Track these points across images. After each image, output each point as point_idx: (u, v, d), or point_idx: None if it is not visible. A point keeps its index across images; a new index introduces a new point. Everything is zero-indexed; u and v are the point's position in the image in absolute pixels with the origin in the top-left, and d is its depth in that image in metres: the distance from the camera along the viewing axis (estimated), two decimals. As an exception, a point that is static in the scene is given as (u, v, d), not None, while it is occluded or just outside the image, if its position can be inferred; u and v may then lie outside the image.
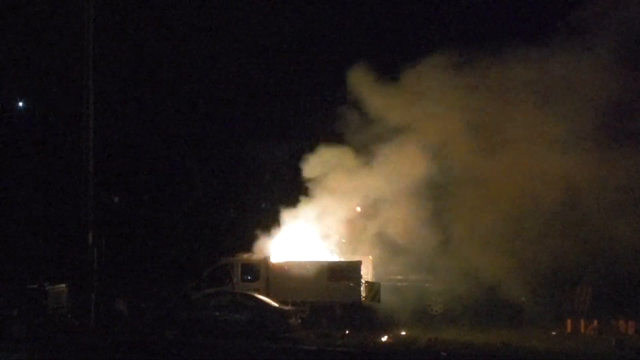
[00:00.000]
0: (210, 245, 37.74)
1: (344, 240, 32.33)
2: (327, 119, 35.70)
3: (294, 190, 33.98)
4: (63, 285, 29.21)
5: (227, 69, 46.28)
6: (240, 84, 46.81)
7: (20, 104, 42.83)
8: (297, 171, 33.51)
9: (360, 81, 32.51)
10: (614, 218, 30.24)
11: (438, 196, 31.56)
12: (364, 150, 32.68)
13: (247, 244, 32.77)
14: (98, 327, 27.93)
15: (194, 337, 27.04)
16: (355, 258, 31.26)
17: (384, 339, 28.27)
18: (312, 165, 32.82)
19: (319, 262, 31.56)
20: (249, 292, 29.22)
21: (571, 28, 30.67)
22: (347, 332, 29.07)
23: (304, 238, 32.49)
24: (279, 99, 46.36)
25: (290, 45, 45.70)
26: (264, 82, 46.65)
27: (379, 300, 30.60)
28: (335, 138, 33.45)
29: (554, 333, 28.92)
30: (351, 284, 30.40)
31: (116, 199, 40.36)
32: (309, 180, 32.77)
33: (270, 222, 33.47)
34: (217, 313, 27.65)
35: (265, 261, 31.25)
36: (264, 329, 27.27)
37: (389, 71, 33.17)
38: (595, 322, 29.40)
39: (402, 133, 32.16)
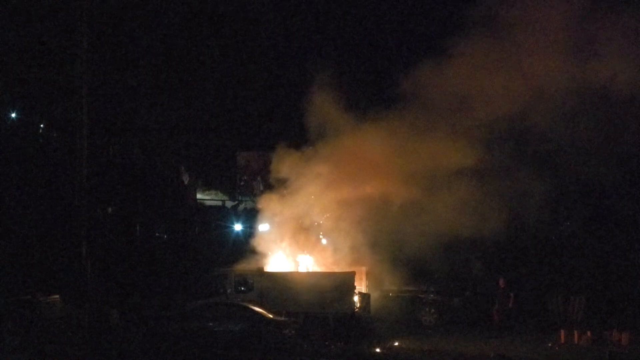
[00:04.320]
0: (205, 256, 37.75)
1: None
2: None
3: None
4: (56, 296, 29.12)
5: (219, 78, 46.52)
6: (232, 93, 47.09)
7: (13, 114, 42.81)
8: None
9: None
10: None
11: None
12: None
13: (242, 254, 32.79)
14: (91, 338, 27.87)
15: (187, 349, 26.99)
16: (349, 269, 31.30)
17: (378, 349, 28.27)
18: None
19: (312, 272, 31.62)
20: (242, 303, 29.18)
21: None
22: (340, 343, 29.07)
23: (298, 248, 32.56)
24: (270, 108, 46.65)
25: (282, 53, 46.07)
26: (257, 91, 46.93)
27: (369, 312, 30.68)
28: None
29: (549, 344, 28.91)
30: (345, 295, 30.39)
31: (110, 210, 40.35)
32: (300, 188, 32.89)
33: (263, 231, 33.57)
34: (211, 324, 27.60)
35: (259, 272, 31.23)
36: (257, 340, 27.23)
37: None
38: (589, 332, 29.42)
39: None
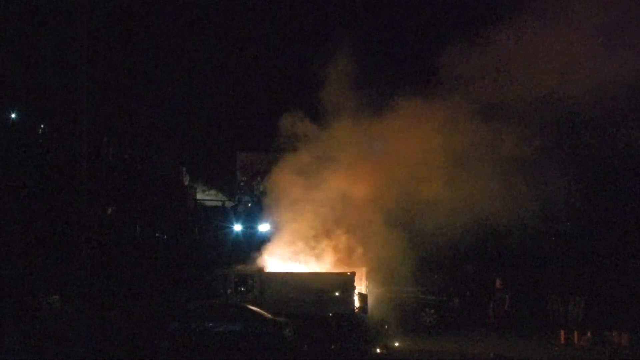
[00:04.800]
0: (205, 256, 37.74)
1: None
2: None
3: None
4: (56, 296, 29.11)
5: (219, 78, 46.54)
6: (232, 93, 47.09)
7: (13, 115, 42.75)
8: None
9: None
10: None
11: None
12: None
13: (242, 255, 32.75)
14: (91, 338, 27.88)
15: (187, 349, 27.00)
16: (349, 269, 31.29)
17: (378, 349, 28.27)
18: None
19: (312, 273, 31.59)
20: (242, 303, 29.18)
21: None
22: (340, 343, 29.08)
23: (298, 249, 32.53)
24: (267, 108, 46.65)
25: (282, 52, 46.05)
26: (257, 91, 46.95)
27: (366, 312, 30.72)
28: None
29: (549, 345, 28.89)
30: (345, 295, 30.38)
31: (109, 210, 40.31)
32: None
33: (264, 232, 33.55)
34: (211, 324, 27.60)
35: (259, 272, 31.22)
36: (257, 340, 27.24)
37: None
38: (589, 333, 29.42)
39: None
